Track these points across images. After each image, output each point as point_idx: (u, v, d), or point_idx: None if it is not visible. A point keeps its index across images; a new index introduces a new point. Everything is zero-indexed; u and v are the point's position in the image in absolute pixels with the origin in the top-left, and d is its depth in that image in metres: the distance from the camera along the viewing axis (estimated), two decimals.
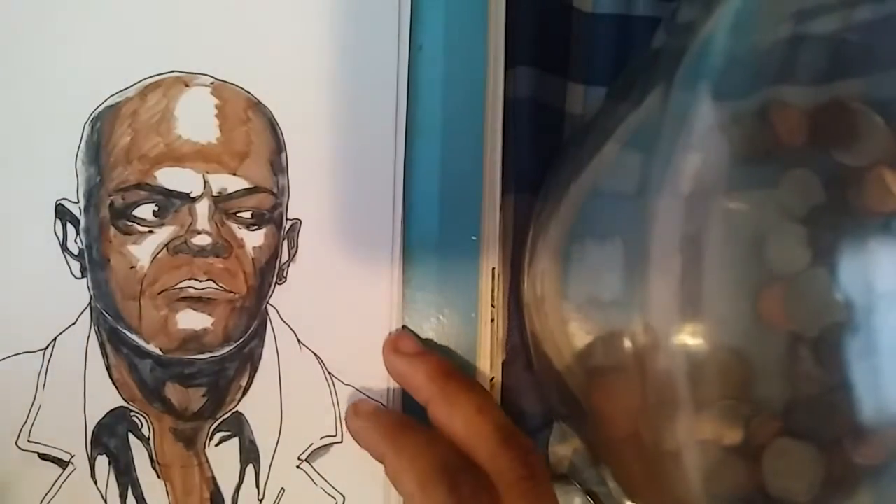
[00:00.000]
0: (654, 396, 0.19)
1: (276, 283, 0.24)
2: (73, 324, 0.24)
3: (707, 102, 0.19)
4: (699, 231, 0.19)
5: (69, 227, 0.24)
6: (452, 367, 0.23)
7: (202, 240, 0.23)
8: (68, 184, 0.24)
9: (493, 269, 0.24)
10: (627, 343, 0.20)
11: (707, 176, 0.19)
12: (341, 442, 0.24)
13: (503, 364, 0.25)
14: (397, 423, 0.22)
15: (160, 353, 0.24)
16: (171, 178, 0.23)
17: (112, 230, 0.23)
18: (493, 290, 0.24)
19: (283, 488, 0.24)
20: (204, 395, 0.24)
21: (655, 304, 0.19)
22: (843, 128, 0.19)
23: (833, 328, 0.18)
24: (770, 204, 0.19)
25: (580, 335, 0.22)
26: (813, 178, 0.19)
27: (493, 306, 0.25)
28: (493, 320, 0.25)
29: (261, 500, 0.24)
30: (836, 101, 0.19)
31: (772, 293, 0.19)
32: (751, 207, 0.19)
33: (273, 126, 0.24)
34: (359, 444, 0.23)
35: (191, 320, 0.24)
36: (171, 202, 0.23)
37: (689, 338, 0.19)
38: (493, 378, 0.25)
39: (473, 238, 0.24)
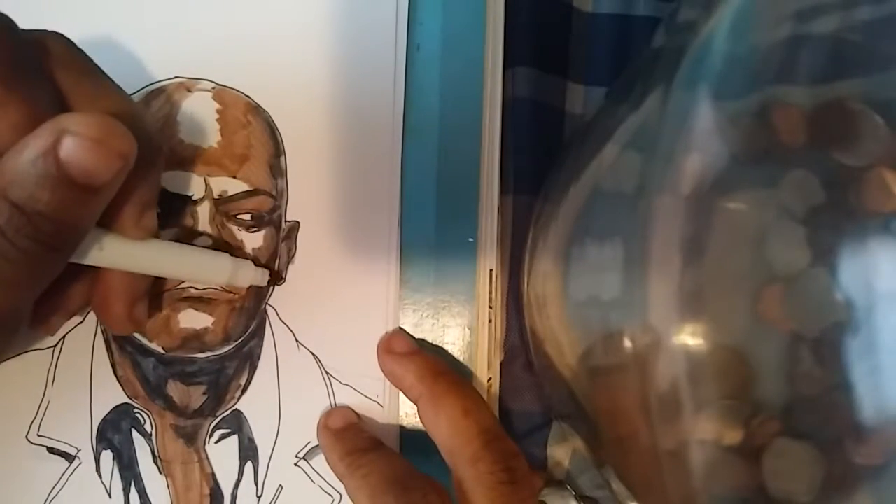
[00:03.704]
0: (654, 396, 0.18)
1: (274, 283, 0.23)
2: (81, 322, 0.23)
3: (707, 103, 0.18)
4: (699, 231, 0.18)
5: None
6: (443, 366, 0.22)
7: (203, 241, 0.23)
8: None
9: (491, 270, 0.23)
10: (627, 343, 0.19)
11: (707, 176, 0.18)
12: None
13: (502, 364, 0.24)
14: (353, 447, 0.21)
15: (162, 351, 0.23)
16: (173, 181, 0.23)
17: None
18: (490, 292, 0.23)
19: (280, 485, 0.23)
20: (204, 393, 0.23)
21: (655, 304, 0.18)
22: (843, 128, 0.18)
23: (833, 328, 0.17)
24: (770, 204, 0.18)
25: (581, 335, 0.21)
26: (813, 178, 0.18)
27: (490, 307, 0.24)
28: (490, 321, 0.24)
29: (259, 497, 0.23)
30: (836, 101, 0.18)
31: (772, 293, 0.18)
32: (751, 207, 0.18)
33: (272, 129, 0.23)
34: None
35: (192, 320, 0.23)
36: (173, 205, 0.23)
37: (689, 338, 0.18)
38: (490, 379, 0.24)
39: (470, 240, 0.23)
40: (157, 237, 0.20)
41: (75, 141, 0.15)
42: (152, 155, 0.19)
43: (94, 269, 0.20)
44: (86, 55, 0.18)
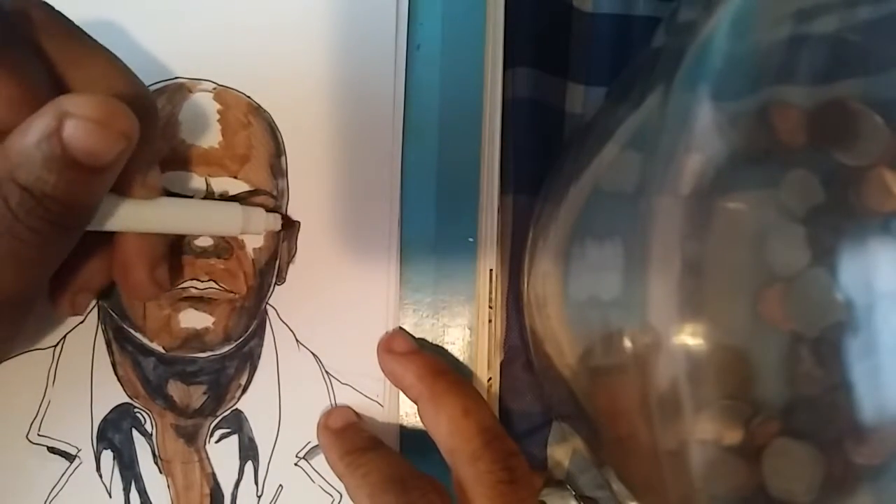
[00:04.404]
0: (654, 396, 0.18)
1: (275, 283, 0.23)
2: (82, 322, 0.23)
3: (707, 103, 0.18)
4: (699, 231, 0.18)
5: None
6: (443, 365, 0.22)
7: (204, 241, 0.23)
8: None
9: (491, 270, 0.23)
10: (627, 343, 0.19)
11: (707, 176, 0.18)
12: None
13: (502, 364, 0.24)
14: (353, 446, 0.21)
15: (163, 351, 0.23)
16: (174, 181, 0.23)
17: None
18: (490, 292, 0.23)
19: (281, 485, 0.23)
20: (205, 393, 0.23)
21: (655, 304, 0.18)
22: (843, 128, 0.18)
23: (833, 328, 0.17)
24: (770, 204, 0.18)
25: (581, 335, 0.21)
26: (813, 178, 0.18)
27: (490, 307, 0.24)
28: (490, 321, 0.24)
29: (259, 497, 0.23)
30: (836, 101, 0.18)
31: (772, 293, 0.18)
32: (751, 207, 0.18)
33: (273, 130, 0.23)
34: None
35: (193, 319, 0.23)
36: None
37: (689, 338, 0.18)
38: (490, 379, 0.24)
39: (470, 240, 0.23)
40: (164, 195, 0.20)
41: (77, 124, 0.15)
42: (148, 114, 0.19)
43: (110, 242, 0.20)
44: (66, 18, 0.18)
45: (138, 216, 0.19)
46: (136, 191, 0.19)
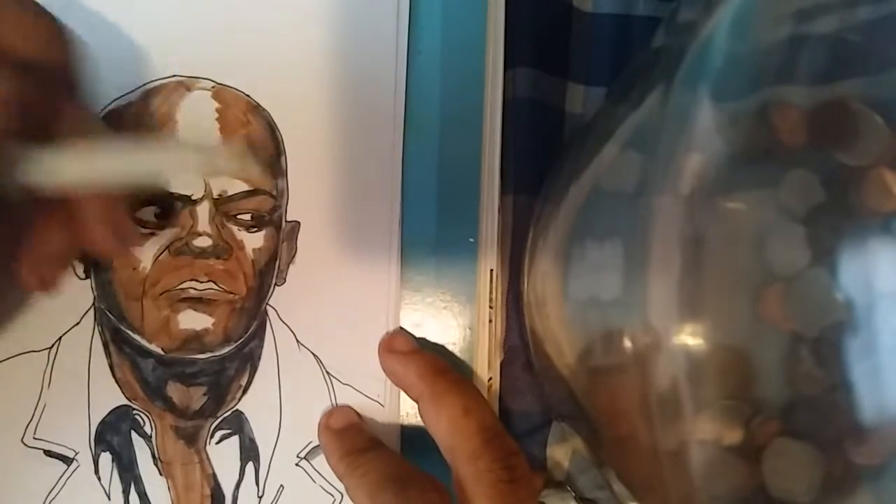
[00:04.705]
0: (654, 396, 0.18)
1: (275, 284, 0.23)
2: (78, 323, 0.23)
3: (707, 103, 0.18)
4: (699, 231, 0.18)
5: None
6: (444, 365, 0.22)
7: (203, 241, 0.23)
8: None
9: (491, 270, 0.24)
10: (627, 343, 0.19)
11: (707, 176, 0.18)
12: None
13: (502, 364, 0.24)
14: (353, 447, 0.22)
15: (162, 352, 0.23)
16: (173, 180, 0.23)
17: None
18: (491, 292, 0.24)
19: (282, 486, 0.23)
20: (205, 394, 0.23)
21: (655, 304, 0.18)
22: (843, 128, 0.18)
23: (833, 328, 0.17)
24: (770, 204, 0.18)
25: (580, 335, 0.22)
26: (813, 178, 0.18)
27: (490, 307, 0.24)
28: (490, 321, 0.24)
29: (260, 498, 0.23)
30: (836, 101, 0.18)
31: (772, 293, 0.18)
32: (751, 207, 0.18)
33: (272, 129, 0.23)
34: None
35: (192, 320, 0.23)
36: (172, 204, 0.23)
37: (689, 338, 0.18)
38: (490, 379, 0.24)
39: (471, 240, 0.24)
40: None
41: None
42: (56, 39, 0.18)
43: (64, 209, 0.19)
44: None
45: (76, 167, 0.18)
46: (66, 126, 0.18)
